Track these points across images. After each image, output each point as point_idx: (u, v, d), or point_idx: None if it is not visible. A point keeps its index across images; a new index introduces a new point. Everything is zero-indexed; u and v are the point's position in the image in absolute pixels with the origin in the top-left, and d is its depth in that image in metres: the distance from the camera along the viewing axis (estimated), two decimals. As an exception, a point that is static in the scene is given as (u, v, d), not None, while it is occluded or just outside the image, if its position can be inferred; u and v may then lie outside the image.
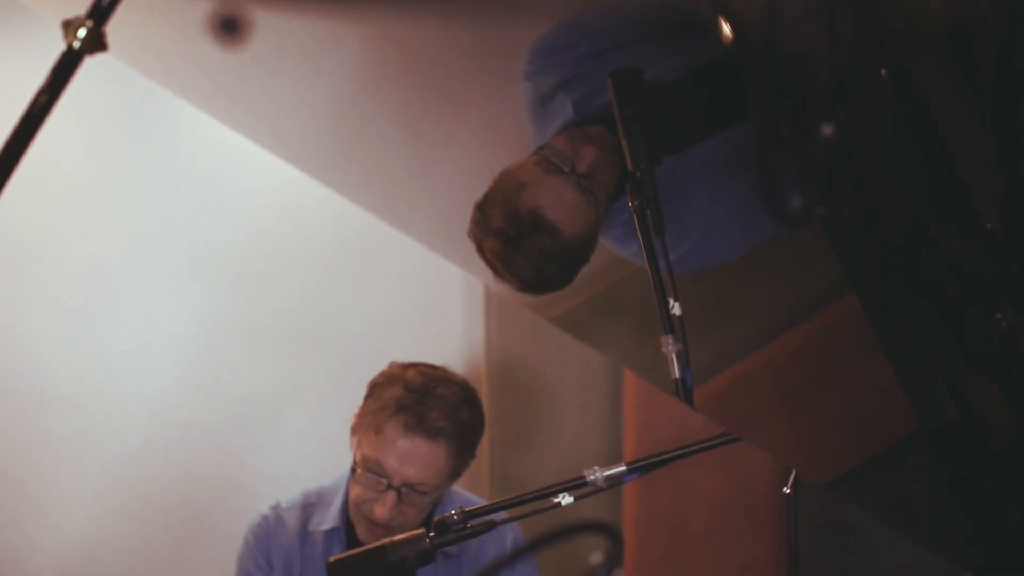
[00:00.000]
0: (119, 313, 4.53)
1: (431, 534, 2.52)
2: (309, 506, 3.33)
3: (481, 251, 2.14)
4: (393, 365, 3.28)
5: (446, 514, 2.52)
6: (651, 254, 1.97)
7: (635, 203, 1.96)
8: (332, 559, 2.54)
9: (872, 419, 2.09)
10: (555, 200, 2.10)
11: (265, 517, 3.36)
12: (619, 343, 2.45)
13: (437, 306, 4.64)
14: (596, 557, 1.29)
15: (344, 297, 4.60)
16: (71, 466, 4.55)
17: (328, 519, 3.28)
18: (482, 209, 2.14)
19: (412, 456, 3.11)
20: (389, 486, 3.12)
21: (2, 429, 4.51)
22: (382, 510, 3.15)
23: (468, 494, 3.46)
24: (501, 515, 2.55)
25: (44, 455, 4.54)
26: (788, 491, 2.87)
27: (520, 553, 1.19)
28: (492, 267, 2.15)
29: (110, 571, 4.58)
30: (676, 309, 1.98)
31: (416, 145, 2.27)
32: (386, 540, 2.52)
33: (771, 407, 2.17)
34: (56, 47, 1.67)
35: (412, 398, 3.14)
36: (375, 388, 3.23)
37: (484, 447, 4.51)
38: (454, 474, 3.21)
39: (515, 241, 2.11)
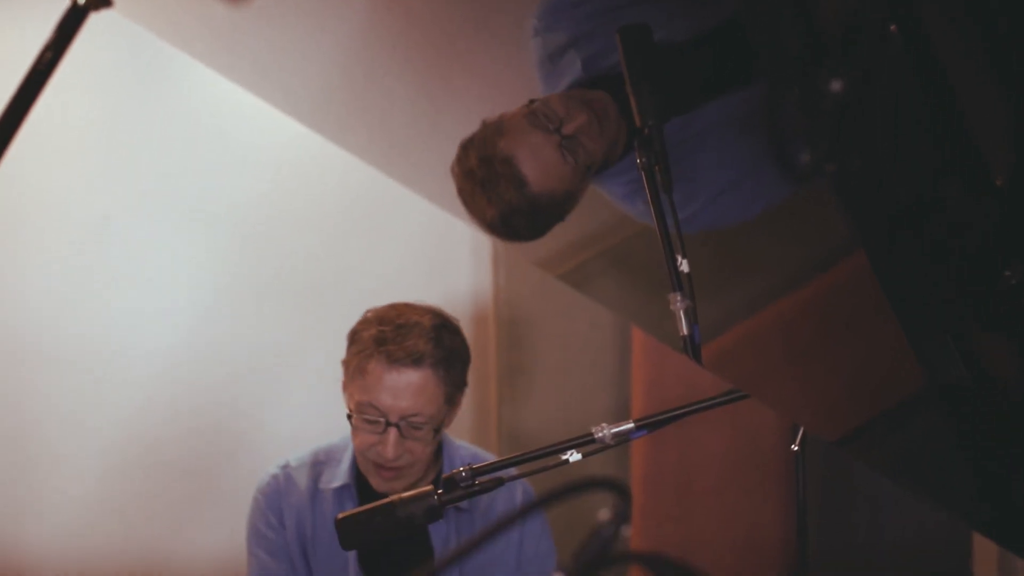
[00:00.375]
0: (125, 272, 4.54)
1: (439, 491, 2.52)
2: (319, 464, 3.34)
3: (457, 190, 2.16)
4: (367, 311, 3.30)
5: (455, 471, 2.52)
6: (659, 211, 1.97)
7: (643, 160, 1.95)
8: (341, 515, 2.55)
9: (880, 377, 2.09)
10: (531, 154, 2.11)
11: (275, 477, 3.36)
12: (627, 300, 2.45)
13: (445, 263, 4.64)
14: (604, 513, 1.29)
15: (351, 255, 4.60)
16: (76, 424, 4.56)
17: (338, 476, 3.28)
18: (464, 148, 2.17)
19: (401, 388, 3.12)
20: (387, 424, 3.13)
21: (6, 388, 4.52)
22: (387, 448, 3.16)
23: (476, 448, 3.46)
24: (510, 472, 2.56)
25: (49, 413, 4.55)
26: (796, 448, 2.87)
27: (530, 509, 1.20)
28: (464, 204, 2.16)
29: (115, 528, 4.60)
30: (684, 266, 1.98)
31: (423, 101, 2.27)
32: (395, 497, 2.53)
33: (779, 364, 2.17)
34: (61, 4, 1.66)
35: (388, 331, 3.16)
36: (354, 335, 3.25)
37: (492, 403, 4.53)
38: (449, 399, 3.22)
39: (483, 184, 2.13)
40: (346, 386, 3.23)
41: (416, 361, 3.11)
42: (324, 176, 4.53)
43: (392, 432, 3.14)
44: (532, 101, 2.11)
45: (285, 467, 3.37)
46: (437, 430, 3.20)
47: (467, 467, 2.52)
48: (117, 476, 4.58)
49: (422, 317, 3.21)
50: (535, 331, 4.49)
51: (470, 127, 2.04)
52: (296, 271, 4.58)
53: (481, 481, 2.53)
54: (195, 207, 4.54)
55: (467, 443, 3.45)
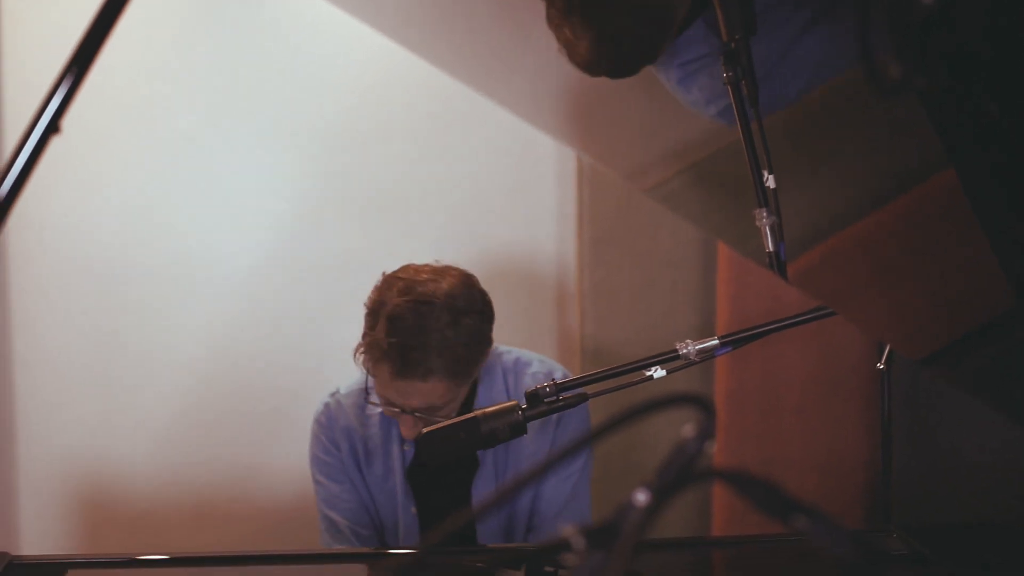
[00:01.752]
0: (208, 188, 4.56)
1: (523, 406, 2.53)
2: (368, 389, 3.36)
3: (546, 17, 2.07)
4: (380, 284, 3.20)
5: (538, 386, 2.53)
6: (745, 125, 1.95)
7: (729, 74, 1.93)
8: (425, 430, 2.56)
9: (968, 295, 2.07)
10: None
11: (327, 405, 3.42)
12: (712, 216, 2.44)
13: (529, 180, 4.63)
14: (688, 429, 1.29)
15: (434, 171, 4.60)
16: (162, 340, 4.61)
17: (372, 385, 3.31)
18: None
19: (411, 392, 3.09)
20: (403, 411, 3.14)
21: (92, 305, 4.57)
22: (406, 429, 3.20)
23: (519, 352, 3.44)
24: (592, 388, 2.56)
25: (134, 329, 4.61)
26: (882, 367, 2.86)
27: (613, 424, 1.19)
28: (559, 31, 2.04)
29: (200, 444, 4.65)
30: (770, 182, 1.96)
31: (510, 11, 2.25)
32: (478, 412, 2.54)
33: (866, 281, 2.15)
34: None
35: (394, 343, 3.06)
36: (366, 318, 3.17)
37: (575, 321, 4.53)
38: (466, 378, 3.17)
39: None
40: (361, 345, 3.21)
41: (424, 376, 3.07)
42: (407, 91, 4.53)
43: (408, 418, 3.15)
44: None
45: (335, 394, 3.43)
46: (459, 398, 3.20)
47: (551, 382, 2.53)
48: (202, 392, 4.63)
49: (432, 316, 3.08)
50: (619, 248, 4.48)
51: (555, 38, 2.02)
52: (379, 187, 4.59)
53: (565, 397, 2.54)
54: (277, 122, 4.55)
55: (509, 347, 3.42)
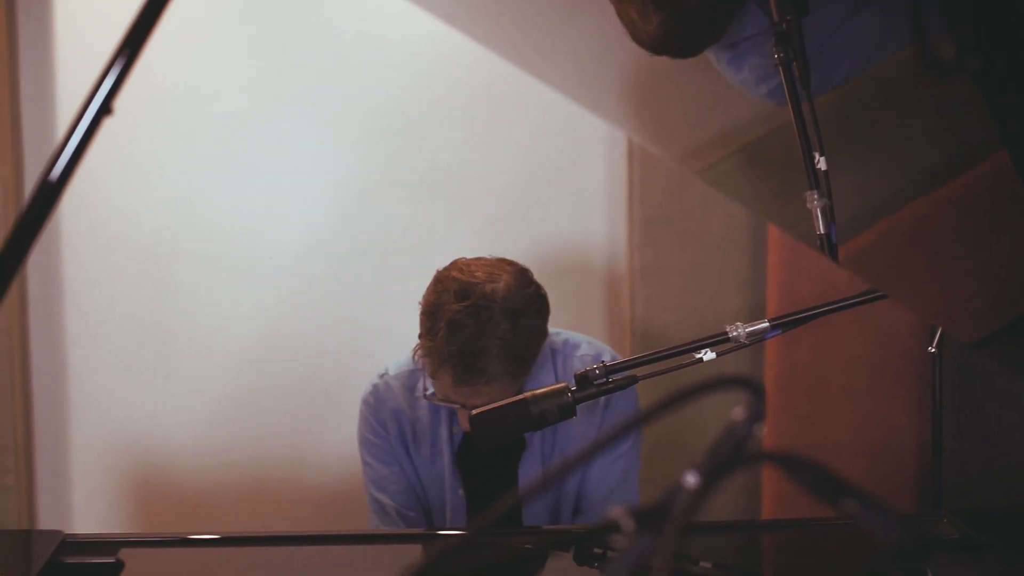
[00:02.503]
0: (260, 170, 4.58)
1: (573, 388, 2.53)
2: (415, 372, 3.36)
3: None
4: (435, 284, 3.16)
5: (588, 368, 2.53)
6: (796, 107, 1.94)
7: (780, 55, 1.92)
8: (475, 411, 2.57)
9: (1021, 277, 2.06)
10: None
11: (376, 386, 3.41)
12: (763, 198, 2.43)
13: (579, 161, 4.62)
14: (738, 412, 1.29)
15: (485, 153, 4.60)
16: (212, 320, 4.63)
17: (431, 384, 3.30)
18: None
19: (472, 395, 3.06)
20: (462, 406, 3.13)
21: (143, 285, 4.60)
22: (464, 423, 3.19)
23: (568, 333, 3.43)
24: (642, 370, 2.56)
25: (185, 310, 4.63)
26: (933, 350, 2.84)
27: (664, 407, 1.18)
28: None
29: (251, 423, 4.67)
30: (822, 164, 1.95)
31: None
32: (528, 394, 2.54)
33: (918, 264, 2.14)
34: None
35: (455, 351, 3.03)
36: (422, 319, 3.14)
37: (625, 302, 4.52)
38: (525, 374, 3.14)
39: None
40: (420, 346, 3.19)
41: (487, 381, 3.05)
42: (457, 73, 4.52)
43: (465, 412, 3.12)
44: None
45: (384, 375, 3.42)
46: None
47: (601, 364, 2.53)
48: (252, 371, 4.65)
49: (491, 321, 3.04)
50: (670, 229, 4.46)
51: (606, 19, 2.01)
52: (429, 170, 4.59)
53: (615, 379, 2.54)
54: (327, 106, 4.56)
55: (558, 329, 3.39)
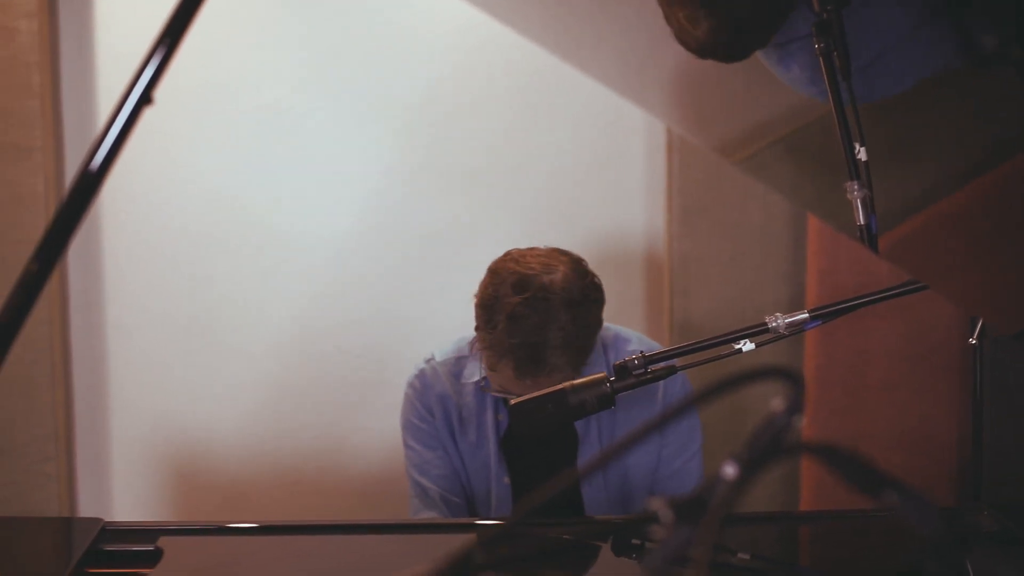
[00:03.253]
0: (298, 160, 4.58)
1: (612, 378, 2.53)
2: (461, 359, 3.36)
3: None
4: (490, 276, 3.14)
5: (627, 358, 2.52)
6: (837, 97, 1.93)
7: (821, 45, 1.91)
8: (514, 401, 2.57)
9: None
10: None
11: (422, 371, 3.41)
12: (803, 188, 2.42)
13: (618, 151, 4.61)
14: (777, 403, 1.28)
15: (524, 142, 4.59)
16: (252, 311, 4.64)
17: (478, 371, 3.30)
18: None
19: (532, 387, 3.00)
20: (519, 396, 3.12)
21: (183, 277, 4.61)
22: None
23: (617, 328, 3.42)
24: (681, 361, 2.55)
25: (225, 300, 4.64)
26: (974, 342, 2.83)
27: (703, 397, 1.18)
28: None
29: (290, 413, 4.69)
30: (862, 154, 1.94)
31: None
32: (566, 384, 2.54)
33: (959, 255, 2.13)
34: None
35: (516, 344, 3.03)
36: (479, 311, 3.13)
37: (664, 292, 4.52)
38: (583, 363, 3.12)
39: None
40: (478, 339, 3.18)
41: (549, 373, 3.03)
42: (496, 63, 4.52)
43: None
44: None
45: (430, 360, 3.41)
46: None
47: (640, 354, 2.52)
48: (293, 361, 4.66)
49: (550, 313, 3.03)
50: (708, 220, 4.45)
51: (647, 9, 2.01)
52: (468, 159, 4.59)
53: (654, 369, 2.54)
54: (366, 95, 4.56)
55: (608, 324, 3.38)
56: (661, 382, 3.31)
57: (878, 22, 1.99)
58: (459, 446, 3.38)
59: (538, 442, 3.34)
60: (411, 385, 3.42)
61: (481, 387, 3.25)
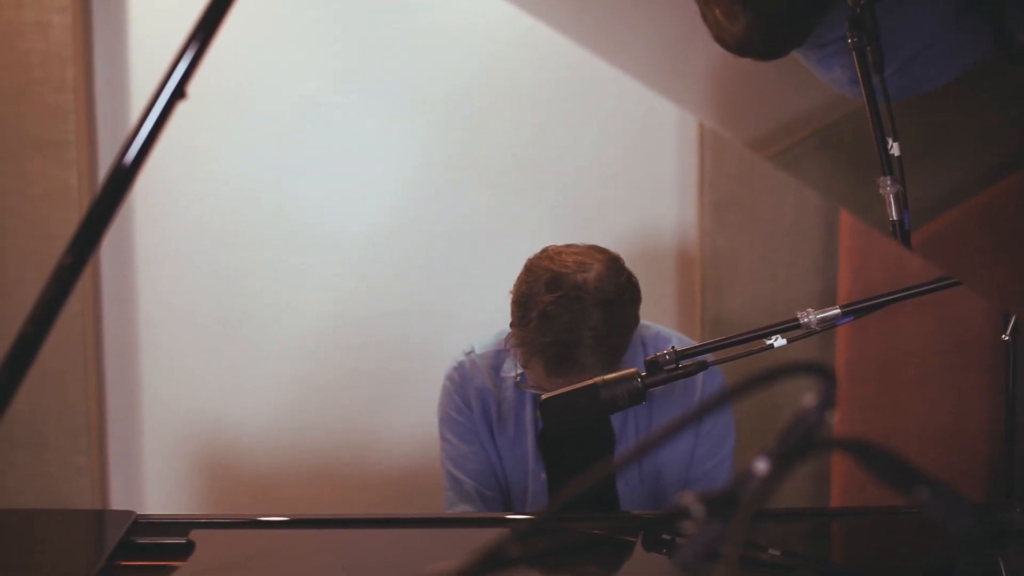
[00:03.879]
0: (332, 154, 4.59)
1: (643, 374, 2.53)
2: (501, 352, 3.36)
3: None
4: (525, 273, 3.13)
5: (658, 354, 2.52)
6: (870, 92, 1.92)
7: (854, 39, 1.90)
8: (545, 396, 2.57)
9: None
10: None
11: (461, 363, 3.40)
12: (835, 183, 2.42)
13: (650, 145, 4.60)
14: (809, 399, 1.28)
15: (556, 137, 4.59)
16: (285, 305, 4.65)
17: (515, 366, 3.29)
18: None
19: (564, 385, 3.00)
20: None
21: (215, 270, 4.62)
22: None
23: (658, 327, 3.41)
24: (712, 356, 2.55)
25: (258, 295, 4.65)
26: (1007, 338, 2.82)
27: (734, 393, 1.18)
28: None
29: (323, 407, 4.69)
30: (895, 149, 1.93)
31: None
32: (598, 379, 2.54)
33: (991, 251, 2.12)
34: None
35: (548, 343, 3.02)
36: (514, 308, 3.13)
37: (696, 288, 4.51)
38: (617, 362, 3.10)
39: None
40: (512, 336, 3.18)
41: (580, 372, 3.01)
42: (529, 58, 4.52)
43: None
44: None
45: (470, 353, 3.41)
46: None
47: (671, 350, 2.52)
48: (324, 356, 4.67)
49: (584, 312, 3.02)
50: (741, 215, 4.44)
51: (680, 3, 2.00)
52: (501, 154, 4.59)
53: (685, 364, 2.53)
54: (399, 89, 4.57)
55: (649, 323, 3.37)
56: (700, 380, 3.32)
57: (919, 18, 1.98)
58: (496, 441, 3.38)
59: (575, 439, 3.33)
60: (449, 378, 3.41)
61: (517, 383, 3.25)
